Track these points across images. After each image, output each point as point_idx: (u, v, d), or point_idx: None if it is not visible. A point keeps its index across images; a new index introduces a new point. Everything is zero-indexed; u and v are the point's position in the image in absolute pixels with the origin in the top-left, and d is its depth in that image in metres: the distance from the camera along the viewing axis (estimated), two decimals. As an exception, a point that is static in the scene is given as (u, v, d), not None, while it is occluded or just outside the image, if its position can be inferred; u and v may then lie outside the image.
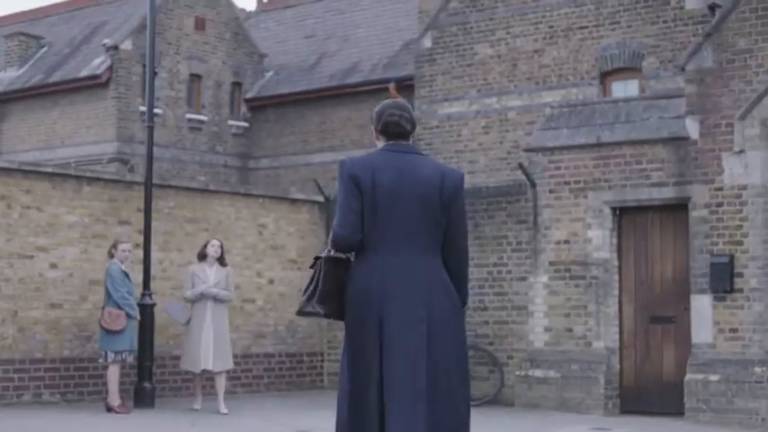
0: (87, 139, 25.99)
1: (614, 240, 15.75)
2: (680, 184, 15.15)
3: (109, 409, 14.22)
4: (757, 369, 14.33)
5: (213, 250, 14.67)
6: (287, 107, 27.24)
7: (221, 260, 14.76)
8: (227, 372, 15.11)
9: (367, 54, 26.78)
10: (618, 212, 15.76)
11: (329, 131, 26.41)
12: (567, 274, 15.90)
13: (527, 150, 16.82)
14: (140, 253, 15.34)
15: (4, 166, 15.05)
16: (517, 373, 16.18)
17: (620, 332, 15.68)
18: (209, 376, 15.00)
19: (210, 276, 14.55)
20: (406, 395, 5.64)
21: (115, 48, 25.70)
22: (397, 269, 5.75)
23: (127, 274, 14.41)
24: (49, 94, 27.02)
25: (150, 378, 15.15)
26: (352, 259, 5.89)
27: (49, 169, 15.68)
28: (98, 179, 15.96)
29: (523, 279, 16.51)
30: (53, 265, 15.17)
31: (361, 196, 5.75)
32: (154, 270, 15.60)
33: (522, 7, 21.48)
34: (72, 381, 15.25)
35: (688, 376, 14.77)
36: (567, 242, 15.95)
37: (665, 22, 19.94)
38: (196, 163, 26.85)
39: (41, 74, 27.56)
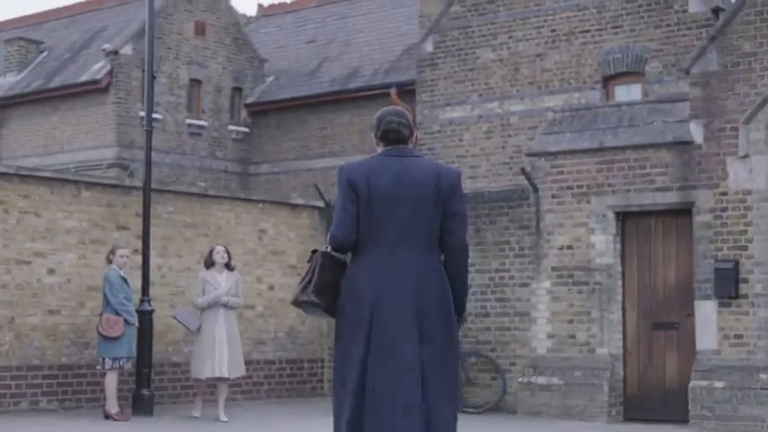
0: (87, 145, 25.86)
1: (618, 246, 15.61)
2: (684, 189, 15.00)
3: (107, 417, 14.08)
4: (762, 376, 14.18)
5: (220, 257, 14.44)
6: (287, 112, 27.11)
7: (229, 265, 14.55)
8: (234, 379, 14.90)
9: (368, 59, 26.65)
10: (621, 217, 15.62)
11: (330, 137, 26.28)
12: (570, 280, 15.76)
13: (529, 155, 16.68)
14: (139, 258, 15.20)
15: (1, 170, 14.91)
16: (520, 380, 16.03)
17: (624, 338, 15.53)
18: (211, 383, 14.83)
19: (222, 282, 14.32)
20: (393, 407, 5.77)
21: (115, 53, 25.58)
22: (390, 270, 5.89)
23: (125, 280, 14.27)
24: (48, 100, 26.91)
25: (149, 385, 15.00)
26: (347, 260, 6.04)
27: (47, 174, 15.55)
28: (96, 184, 15.83)
29: (526, 285, 16.36)
30: (51, 271, 15.03)
31: (357, 199, 5.92)
32: (153, 276, 15.46)
33: (523, 11, 21.34)
34: (70, 388, 15.11)
35: (692, 383, 14.62)
36: (569, 247, 15.82)
37: (668, 25, 19.80)
38: (196, 168, 26.71)
39: (41, 79, 27.45)
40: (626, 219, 15.65)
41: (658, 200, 15.24)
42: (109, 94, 25.59)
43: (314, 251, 6.12)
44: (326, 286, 5.99)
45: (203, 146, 27.08)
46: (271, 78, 28.19)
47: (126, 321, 14.05)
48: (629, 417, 15.40)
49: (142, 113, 22.36)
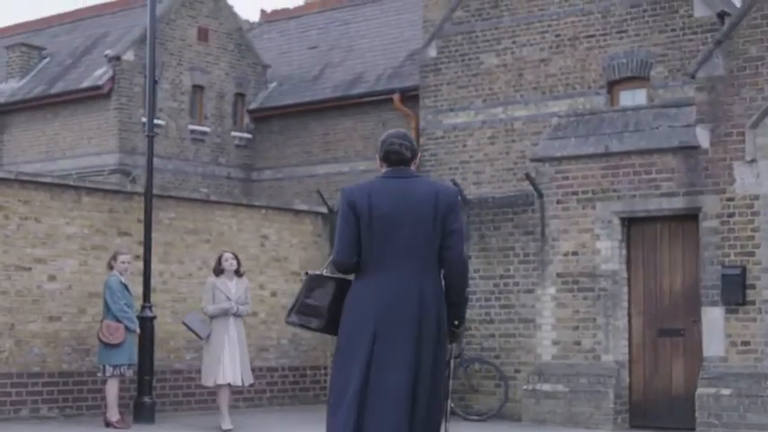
0: (89, 151, 25.75)
1: (623, 252, 15.49)
2: (690, 195, 14.88)
3: (108, 425, 13.97)
4: (770, 383, 14.06)
5: (228, 264, 14.19)
6: (290, 118, 26.99)
7: (238, 272, 14.35)
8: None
9: (371, 65, 26.54)
10: (627, 223, 15.49)
11: (333, 143, 26.15)
12: (576, 287, 15.64)
13: (534, 160, 16.56)
14: (140, 265, 15.08)
15: (2, 176, 14.81)
16: (524, 387, 15.90)
17: (629, 345, 15.40)
18: (211, 390, 14.71)
19: (232, 289, 14.07)
20: (385, 423, 6.04)
21: (117, 58, 25.47)
22: (392, 289, 6.15)
23: (126, 287, 14.15)
24: (50, 106, 26.80)
25: (150, 392, 14.89)
26: (349, 279, 6.32)
27: (48, 179, 15.44)
28: (97, 190, 15.71)
29: (531, 291, 16.24)
30: (51, 278, 14.92)
31: (357, 222, 6.19)
32: (154, 282, 15.35)
33: (527, 16, 21.24)
34: (71, 395, 14.99)
35: (699, 390, 14.48)
36: (575, 253, 15.70)
37: (673, 30, 19.69)
38: (199, 174, 26.59)
39: (43, 85, 27.35)
40: (631, 224, 15.53)
41: (664, 205, 15.12)
42: (111, 100, 25.48)
43: (306, 273, 6.48)
44: (316, 308, 6.33)
45: (206, 152, 26.97)
46: (274, 84, 28.08)
47: (127, 328, 13.93)
48: (635, 424, 15.27)
49: (144, 119, 22.20)
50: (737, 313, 14.43)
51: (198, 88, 26.86)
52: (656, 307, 15.37)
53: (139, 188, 16.20)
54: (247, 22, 31.30)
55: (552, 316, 15.81)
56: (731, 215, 14.57)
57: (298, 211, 18.46)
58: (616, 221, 15.47)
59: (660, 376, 15.27)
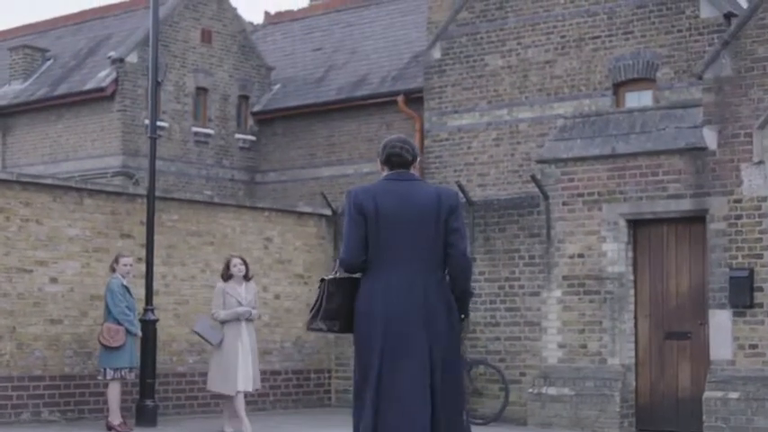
0: (92, 153, 25.67)
1: (629, 254, 15.36)
2: (697, 196, 14.75)
3: (110, 428, 13.88)
4: (778, 386, 13.92)
5: (237, 269, 13.89)
6: (294, 120, 26.90)
7: (247, 276, 14.11)
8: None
9: (375, 67, 26.45)
10: (633, 225, 15.37)
11: (337, 145, 26.06)
12: (581, 289, 15.52)
13: (540, 162, 16.43)
14: (143, 267, 14.97)
15: (3, 177, 14.70)
16: (530, 390, 15.77)
17: (636, 348, 15.28)
18: (213, 394, 14.56)
19: (242, 294, 13.78)
20: (404, 419, 6.28)
21: (121, 60, 25.38)
22: (399, 286, 6.40)
23: (128, 289, 14.04)
24: (53, 108, 26.72)
25: (153, 396, 14.78)
26: (356, 278, 6.54)
27: (49, 181, 15.31)
28: (100, 191, 15.60)
29: (536, 294, 16.11)
30: (53, 280, 14.80)
31: (365, 222, 6.44)
32: (156, 285, 15.24)
33: (533, 17, 21.14)
34: (72, 398, 14.87)
35: (707, 394, 14.35)
36: (580, 256, 15.58)
37: (679, 31, 19.58)
38: (202, 177, 26.50)
39: (46, 87, 27.28)
40: (637, 227, 15.40)
41: (671, 207, 14.99)
42: (114, 102, 25.40)
43: (322, 279, 6.63)
44: (337, 310, 6.55)
45: (210, 154, 26.87)
46: (277, 86, 27.99)
47: (127, 331, 13.81)
48: (642, 428, 15.16)
49: (148, 121, 22.19)
50: (745, 316, 14.31)
51: (201, 90, 26.77)
52: (663, 310, 15.25)
53: (142, 190, 16.07)
54: (251, 23, 31.18)
55: (558, 319, 15.69)
56: (739, 217, 14.44)
57: (301, 214, 18.34)
58: (622, 223, 15.34)
59: (667, 380, 15.15)
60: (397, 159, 6.61)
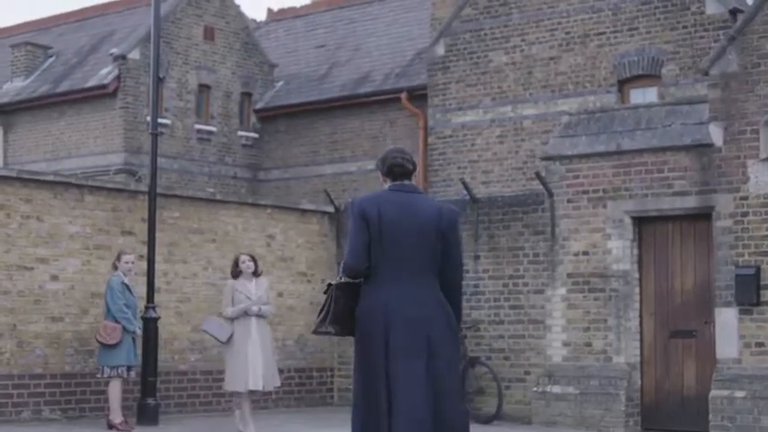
0: (94, 150, 25.56)
1: (635, 251, 15.25)
2: (703, 193, 14.64)
3: (111, 427, 13.76)
4: (785, 385, 13.81)
5: (246, 266, 13.63)
6: (297, 118, 26.78)
7: (256, 272, 13.95)
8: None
9: (379, 64, 26.32)
10: (638, 223, 15.25)
11: (340, 142, 25.94)
12: (586, 287, 15.41)
13: (544, 159, 16.31)
14: (144, 265, 14.86)
15: (3, 174, 14.60)
16: (534, 389, 15.66)
17: (641, 347, 15.16)
18: (216, 392, 14.42)
19: (252, 290, 13.48)
20: (407, 420, 6.43)
21: (123, 57, 25.27)
22: (400, 292, 6.59)
23: (128, 287, 13.93)
24: (56, 105, 26.61)
25: (154, 394, 14.69)
26: (360, 283, 6.71)
27: (50, 177, 15.20)
28: (101, 188, 15.49)
29: (541, 292, 16.00)
30: (54, 277, 14.70)
31: (368, 230, 6.62)
32: (158, 282, 15.14)
33: (537, 14, 21.01)
34: (73, 397, 14.77)
35: (713, 392, 14.24)
36: (585, 253, 15.46)
37: (684, 27, 19.45)
38: (205, 174, 26.38)
39: (48, 84, 27.17)
40: (642, 224, 15.28)
41: (677, 204, 14.88)
42: (116, 99, 25.29)
43: (329, 284, 6.80)
44: (343, 314, 6.72)
45: (212, 151, 26.76)
46: (280, 83, 27.88)
47: (125, 329, 13.69)
48: (647, 427, 15.06)
49: (150, 118, 22.10)
50: (752, 314, 14.20)
51: (204, 87, 26.65)
52: (668, 308, 15.14)
53: (143, 187, 15.96)
54: (254, 20, 31.09)
55: (563, 317, 15.58)
56: (745, 214, 14.33)
57: (304, 211, 18.23)
58: (627, 221, 15.23)
59: (672, 378, 15.04)
60: (399, 170, 6.81)
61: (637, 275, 15.25)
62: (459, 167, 21.53)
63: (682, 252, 15.09)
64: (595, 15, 20.38)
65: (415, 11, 27.12)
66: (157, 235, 15.09)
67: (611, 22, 20.22)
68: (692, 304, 14.99)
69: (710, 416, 14.17)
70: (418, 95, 23.49)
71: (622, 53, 20.07)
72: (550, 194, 15.83)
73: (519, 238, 16.37)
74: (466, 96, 21.70)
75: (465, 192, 17.13)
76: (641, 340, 15.21)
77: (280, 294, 17.47)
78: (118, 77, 25.21)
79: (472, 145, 21.57)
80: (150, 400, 14.59)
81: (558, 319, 15.61)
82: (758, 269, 14.14)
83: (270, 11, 31.90)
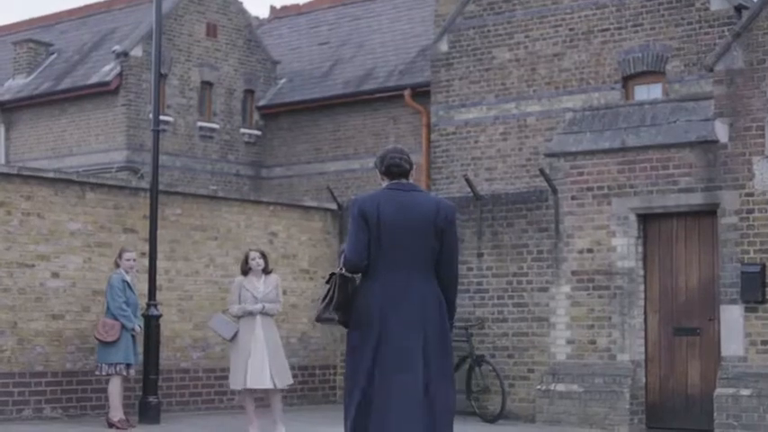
0: (96, 148, 25.51)
1: (639, 249, 15.15)
2: (709, 190, 14.53)
3: (110, 425, 13.66)
4: (791, 383, 13.71)
5: (255, 263, 13.48)
6: (300, 115, 26.72)
7: (266, 269, 13.83)
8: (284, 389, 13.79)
9: (382, 61, 26.26)
10: (643, 219, 15.15)
11: (343, 139, 25.88)
12: (591, 285, 15.31)
13: (548, 155, 16.22)
14: (146, 262, 14.78)
15: (4, 170, 14.50)
16: (538, 387, 15.57)
17: (646, 344, 15.07)
18: (218, 390, 14.29)
19: (259, 287, 13.33)
20: (397, 417, 6.65)
21: (125, 54, 25.23)
22: (396, 288, 6.80)
23: (129, 284, 13.84)
24: (57, 102, 26.58)
25: (156, 392, 14.60)
26: (358, 280, 6.96)
27: (51, 174, 15.10)
28: (102, 185, 15.39)
29: (545, 289, 15.90)
30: (55, 275, 14.61)
31: (368, 228, 6.85)
32: (160, 280, 15.05)
33: (541, 10, 20.92)
34: (74, 395, 14.69)
35: (718, 391, 14.14)
36: (590, 251, 15.37)
37: (689, 23, 19.36)
38: (207, 172, 26.33)
39: (50, 81, 27.12)
40: (648, 221, 15.18)
41: (682, 201, 14.77)
42: (119, 97, 25.26)
43: (332, 273, 7.00)
44: (343, 304, 6.92)
45: (215, 149, 26.70)
46: (283, 80, 27.82)
47: (123, 326, 13.61)
48: (652, 425, 14.96)
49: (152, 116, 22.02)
50: (757, 312, 14.10)
51: (207, 84, 26.61)
52: (672, 305, 15.04)
53: (145, 184, 15.87)
54: (257, 17, 31.04)
55: (567, 314, 15.48)
56: (750, 211, 14.22)
57: (307, 208, 18.14)
58: (632, 218, 15.13)
59: (676, 376, 14.95)
60: (396, 169, 7.01)
61: (641, 273, 15.15)
62: (462, 164, 21.45)
63: (687, 249, 14.99)
64: (599, 12, 20.29)
65: (418, 7, 27.07)
66: (159, 232, 15.00)
67: (615, 19, 20.13)
68: (696, 302, 14.89)
69: (716, 414, 14.07)
70: (421, 92, 23.44)
71: (627, 50, 19.98)
72: (554, 191, 15.74)
73: (523, 235, 16.27)
74: (469, 93, 21.62)
75: (468, 189, 17.03)
76: (646, 338, 15.11)
77: (282, 292, 17.34)
78: (120, 75, 25.18)
79: (476, 142, 21.49)
80: (152, 399, 14.50)
81: (563, 317, 15.52)
82: (764, 266, 14.04)
83: (273, 8, 31.88)
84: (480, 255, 16.52)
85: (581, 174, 15.52)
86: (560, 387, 15.35)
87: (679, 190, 14.77)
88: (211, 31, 26.80)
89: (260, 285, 13.31)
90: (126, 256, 14.03)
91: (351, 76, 26.37)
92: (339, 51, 27.81)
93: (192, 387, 16.05)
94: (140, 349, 14.22)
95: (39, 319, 14.41)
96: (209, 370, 16.29)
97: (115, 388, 13.71)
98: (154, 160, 15.25)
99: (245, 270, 13.47)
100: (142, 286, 14.51)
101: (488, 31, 21.50)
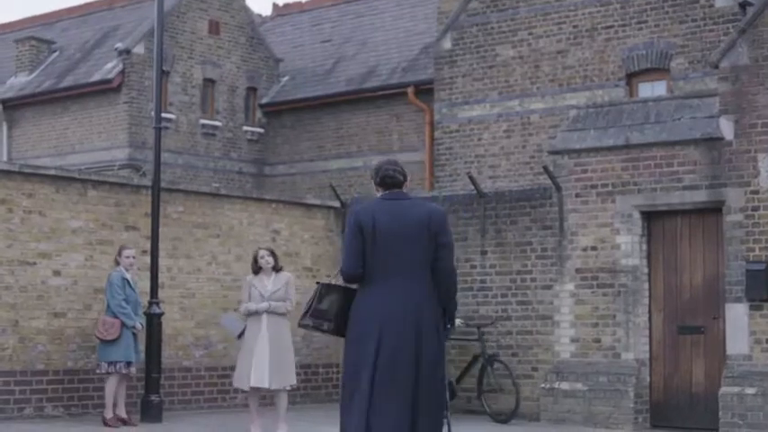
0: (99, 145, 25.45)
1: (644, 246, 15.07)
2: (713, 188, 14.45)
3: (106, 424, 13.58)
4: (797, 382, 13.63)
5: (265, 261, 13.34)
6: (303, 112, 26.64)
7: (276, 267, 13.69)
8: (289, 388, 13.51)
9: (385, 58, 26.17)
10: (647, 217, 15.07)
11: (346, 137, 25.80)
12: (595, 282, 15.24)
13: (552, 153, 16.14)
14: (148, 260, 14.71)
15: (5, 168, 14.44)
16: (542, 385, 15.49)
17: (650, 343, 14.99)
18: (221, 389, 14.22)
19: (268, 286, 13.20)
20: (390, 417, 6.99)
21: (127, 52, 25.15)
22: (392, 295, 7.11)
23: (129, 282, 13.77)
24: (60, 100, 26.50)
25: (158, 391, 14.55)
26: (355, 288, 7.32)
27: (52, 172, 15.03)
28: (103, 182, 15.33)
29: (549, 287, 15.82)
30: (56, 273, 14.55)
31: (362, 237, 7.21)
32: (162, 278, 14.99)
33: (544, 7, 20.84)
34: (76, 393, 14.63)
35: (723, 389, 14.06)
36: (594, 248, 15.29)
37: (693, 20, 19.27)
38: (210, 169, 26.25)
39: (52, 79, 27.06)
40: (652, 218, 15.10)
41: (686, 199, 14.69)
42: (121, 94, 25.18)
43: (317, 283, 7.57)
44: (327, 312, 7.41)
45: (217, 146, 26.63)
46: (286, 78, 27.74)
47: (124, 324, 13.54)
48: (656, 424, 14.89)
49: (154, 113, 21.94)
50: (762, 310, 14.02)
51: (209, 82, 26.53)
52: (677, 303, 14.96)
53: (147, 181, 15.80)
54: (259, 15, 30.96)
55: (571, 313, 15.41)
56: (756, 209, 14.14)
57: (309, 206, 18.07)
58: (636, 215, 15.06)
59: (681, 375, 14.88)
60: (390, 180, 7.40)
61: (646, 271, 15.08)
62: (465, 162, 21.37)
63: (691, 247, 14.92)
64: (603, 8, 20.21)
65: (421, 5, 26.99)
66: (161, 230, 14.94)
67: (619, 16, 20.05)
68: (701, 300, 14.81)
69: (721, 413, 13.99)
70: (425, 90, 23.36)
71: (631, 47, 19.90)
72: (558, 189, 15.66)
73: (526, 233, 16.20)
74: (473, 91, 21.53)
75: (472, 186, 16.94)
76: (650, 336, 15.04)
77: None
78: (122, 72, 25.11)
79: (479, 139, 21.41)
80: (154, 397, 14.45)
81: (567, 315, 15.44)
82: (769, 264, 13.97)
83: (275, 5, 31.80)
84: (484, 252, 16.44)
85: (585, 171, 15.44)
86: (565, 386, 15.27)
87: (684, 187, 14.69)
88: (214, 28, 26.73)
89: (268, 284, 13.19)
90: (125, 253, 13.97)
91: (354, 74, 26.29)
92: (342, 49, 27.73)
93: (194, 385, 15.99)
94: (142, 347, 14.16)
95: (40, 317, 14.35)
96: (212, 368, 16.22)
97: (110, 386, 13.64)
98: (156, 158, 15.19)
99: (256, 269, 13.37)
100: (144, 284, 14.45)
101: (492, 28, 21.42)
